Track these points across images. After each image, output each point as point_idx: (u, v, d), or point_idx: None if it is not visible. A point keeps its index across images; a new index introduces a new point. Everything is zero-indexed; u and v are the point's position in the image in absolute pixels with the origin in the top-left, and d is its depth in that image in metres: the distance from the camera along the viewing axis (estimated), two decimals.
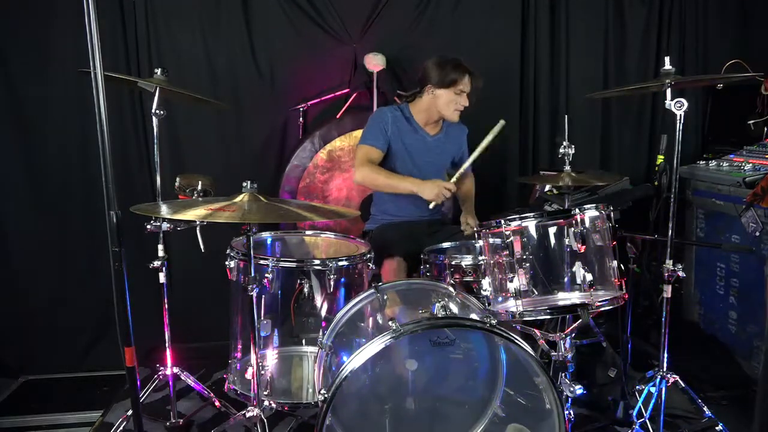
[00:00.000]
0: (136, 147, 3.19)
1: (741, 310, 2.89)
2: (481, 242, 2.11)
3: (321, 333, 2.13)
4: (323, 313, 2.30)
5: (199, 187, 2.34)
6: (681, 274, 2.22)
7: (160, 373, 2.44)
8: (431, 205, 2.63)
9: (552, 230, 1.95)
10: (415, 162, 2.78)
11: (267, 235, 2.61)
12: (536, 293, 1.93)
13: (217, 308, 2.71)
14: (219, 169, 3.14)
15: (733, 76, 2.59)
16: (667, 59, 2.26)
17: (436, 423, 2.06)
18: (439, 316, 1.82)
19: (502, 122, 2.62)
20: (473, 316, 1.94)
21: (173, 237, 2.41)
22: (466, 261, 2.29)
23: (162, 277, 2.36)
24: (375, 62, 3.19)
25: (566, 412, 1.91)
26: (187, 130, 3.24)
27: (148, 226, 2.27)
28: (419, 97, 2.78)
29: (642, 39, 3.58)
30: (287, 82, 3.33)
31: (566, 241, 1.92)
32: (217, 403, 2.49)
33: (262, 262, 2.22)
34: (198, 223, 2.30)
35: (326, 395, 1.74)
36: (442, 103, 2.71)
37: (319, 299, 2.29)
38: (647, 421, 2.26)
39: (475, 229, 2.52)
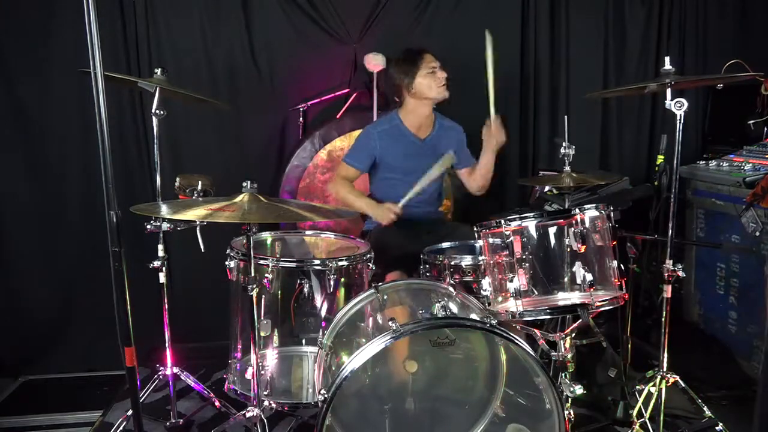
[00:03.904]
0: (136, 147, 3.19)
1: (741, 310, 2.89)
2: (481, 242, 2.11)
3: (321, 333, 2.13)
4: (323, 313, 2.30)
5: (199, 187, 2.34)
6: (681, 274, 2.22)
7: (160, 373, 2.44)
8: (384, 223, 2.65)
9: (552, 230, 1.96)
10: (410, 169, 2.75)
11: (266, 234, 2.62)
12: (536, 293, 1.93)
13: (217, 308, 2.71)
14: (219, 169, 3.13)
15: (733, 76, 2.59)
16: (667, 59, 2.26)
17: (436, 423, 2.06)
18: (439, 316, 1.82)
19: (488, 36, 2.57)
20: (473, 316, 1.93)
21: (173, 237, 2.40)
22: (466, 261, 2.28)
23: (162, 277, 2.36)
24: (375, 62, 3.18)
25: (566, 412, 1.91)
26: (187, 130, 3.24)
27: (148, 226, 2.27)
28: (404, 103, 2.79)
29: (642, 39, 3.58)
30: (287, 82, 3.33)
31: (566, 241, 1.92)
32: (217, 403, 2.49)
33: (262, 262, 2.22)
34: (198, 223, 2.30)
35: (326, 395, 1.74)
36: (425, 90, 2.69)
37: (319, 299, 2.30)
38: (647, 421, 2.25)
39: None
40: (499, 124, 2.67)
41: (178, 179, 2.35)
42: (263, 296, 2.24)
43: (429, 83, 2.68)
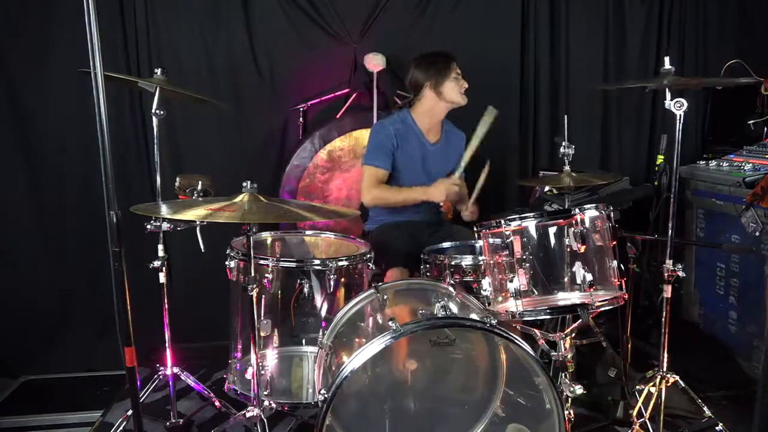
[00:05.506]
0: (136, 147, 3.18)
1: (741, 310, 2.89)
2: (481, 242, 2.11)
3: (321, 333, 2.13)
4: (323, 313, 2.30)
5: (199, 187, 2.34)
6: (681, 274, 2.22)
7: (160, 373, 2.44)
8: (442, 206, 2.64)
9: (552, 230, 1.95)
10: (419, 172, 2.78)
11: (266, 234, 2.62)
12: (536, 293, 1.93)
13: (217, 308, 2.71)
14: (219, 169, 3.12)
15: (730, 80, 2.57)
16: (666, 59, 2.26)
17: (436, 423, 2.06)
18: (439, 316, 1.82)
19: (492, 110, 2.61)
20: (473, 316, 1.93)
21: (173, 237, 2.40)
22: (466, 261, 2.29)
23: (162, 277, 2.36)
24: (375, 62, 3.19)
25: (566, 412, 1.91)
26: (187, 129, 3.24)
27: (148, 226, 2.27)
28: (419, 101, 2.78)
29: (642, 39, 3.58)
30: (287, 82, 3.33)
31: (566, 241, 1.92)
32: (217, 403, 2.49)
33: (262, 262, 2.22)
34: (198, 223, 2.30)
35: (326, 395, 1.74)
36: (449, 94, 2.71)
37: (319, 299, 2.30)
38: (647, 421, 2.26)
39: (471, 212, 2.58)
40: (457, 184, 2.69)
41: (178, 179, 2.35)
42: (263, 296, 2.24)
43: (453, 87, 2.71)
